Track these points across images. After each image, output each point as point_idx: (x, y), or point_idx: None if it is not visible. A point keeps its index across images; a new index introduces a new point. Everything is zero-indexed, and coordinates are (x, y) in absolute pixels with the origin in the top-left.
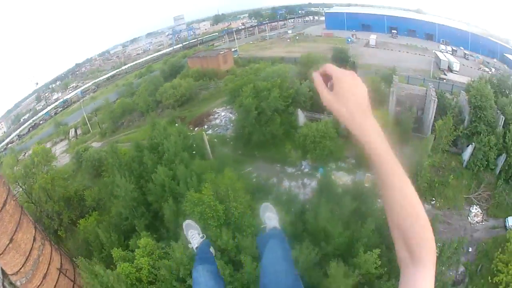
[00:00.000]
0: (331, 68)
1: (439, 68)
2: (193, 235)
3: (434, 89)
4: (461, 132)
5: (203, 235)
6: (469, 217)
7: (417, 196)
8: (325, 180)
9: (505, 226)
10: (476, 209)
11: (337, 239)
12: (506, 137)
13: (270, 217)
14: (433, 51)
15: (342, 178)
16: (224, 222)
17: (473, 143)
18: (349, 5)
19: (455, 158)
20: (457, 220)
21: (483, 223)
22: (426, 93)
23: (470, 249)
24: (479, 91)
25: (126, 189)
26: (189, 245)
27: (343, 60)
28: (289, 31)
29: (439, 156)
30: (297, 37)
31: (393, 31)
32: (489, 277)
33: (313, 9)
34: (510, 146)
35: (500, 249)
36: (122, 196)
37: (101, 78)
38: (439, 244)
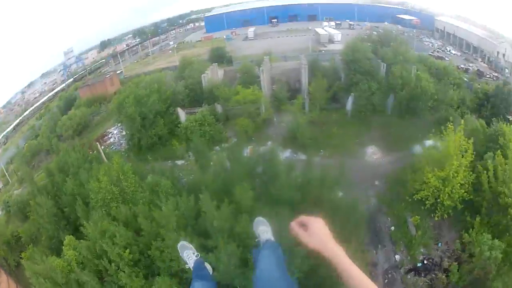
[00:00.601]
0: (304, 218)
1: (320, 42)
2: (189, 255)
3: (305, 58)
4: (337, 87)
5: (198, 254)
6: (366, 157)
7: (374, 285)
8: (197, 147)
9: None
10: (372, 148)
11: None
12: (389, 80)
13: (263, 231)
14: (314, 29)
15: None
16: (122, 201)
17: (352, 94)
18: (229, 5)
19: (339, 112)
20: (353, 162)
21: (383, 158)
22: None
23: (377, 182)
24: (350, 47)
25: (47, 205)
26: (186, 265)
27: (220, 57)
28: (171, 43)
29: (316, 113)
30: (175, 46)
31: (273, 20)
32: (409, 198)
33: (194, 16)
34: (395, 87)
35: (409, 173)
36: (45, 212)
37: (8, 130)
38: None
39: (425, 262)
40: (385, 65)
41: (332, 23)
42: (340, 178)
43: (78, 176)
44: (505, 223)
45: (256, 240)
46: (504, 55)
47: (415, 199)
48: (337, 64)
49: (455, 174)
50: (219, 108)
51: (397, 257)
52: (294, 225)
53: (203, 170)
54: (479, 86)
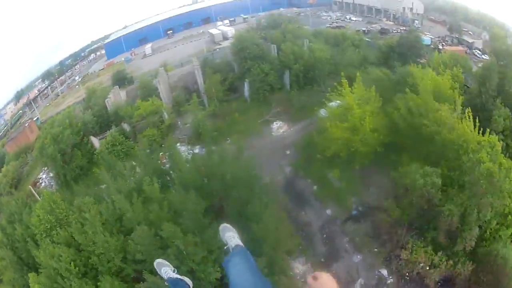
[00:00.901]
0: (316, 273)
1: (215, 42)
2: (167, 271)
3: (196, 60)
4: (232, 78)
5: (175, 269)
6: (273, 133)
7: None
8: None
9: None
10: (277, 123)
11: None
12: (281, 58)
13: (230, 237)
14: (208, 30)
15: None
16: (60, 227)
17: (246, 80)
18: (125, 27)
19: (238, 100)
20: (260, 140)
21: (290, 129)
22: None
23: (288, 152)
24: (237, 38)
25: (8, 256)
26: (166, 283)
27: (122, 79)
28: (77, 77)
29: (215, 106)
30: (80, 80)
31: (168, 32)
32: (321, 157)
33: (94, 46)
34: (288, 63)
35: (316, 134)
36: (8, 263)
37: None
38: None
39: (360, 208)
40: (275, 46)
41: (226, 21)
42: (239, 156)
43: (23, 221)
44: (436, 150)
45: (225, 247)
46: (411, 9)
47: (329, 156)
48: (229, 57)
49: (362, 122)
50: (126, 126)
51: (328, 211)
52: (309, 279)
53: (116, 180)
54: (383, 42)
